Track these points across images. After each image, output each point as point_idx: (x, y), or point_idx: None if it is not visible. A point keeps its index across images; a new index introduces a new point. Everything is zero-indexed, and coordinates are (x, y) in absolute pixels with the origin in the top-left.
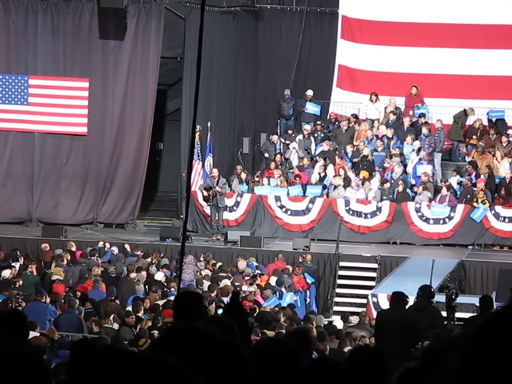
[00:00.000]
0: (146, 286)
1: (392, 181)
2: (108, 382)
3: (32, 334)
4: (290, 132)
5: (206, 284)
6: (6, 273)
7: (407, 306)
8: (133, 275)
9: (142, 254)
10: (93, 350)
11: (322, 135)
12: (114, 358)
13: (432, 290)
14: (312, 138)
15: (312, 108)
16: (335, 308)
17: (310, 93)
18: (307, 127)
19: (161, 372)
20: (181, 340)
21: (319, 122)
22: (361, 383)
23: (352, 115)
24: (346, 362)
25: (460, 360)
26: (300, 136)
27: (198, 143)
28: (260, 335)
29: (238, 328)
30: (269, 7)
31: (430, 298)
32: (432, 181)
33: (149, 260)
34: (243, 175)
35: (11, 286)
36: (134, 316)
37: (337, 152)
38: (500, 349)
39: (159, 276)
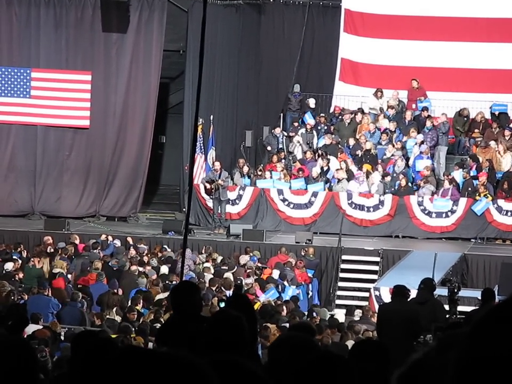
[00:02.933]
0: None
1: (394, 175)
2: (122, 380)
3: (35, 327)
4: (296, 124)
5: (207, 276)
6: (9, 266)
7: (408, 300)
8: (133, 268)
9: (127, 245)
10: (90, 344)
11: (325, 127)
12: (128, 355)
13: (434, 283)
14: (314, 132)
15: (307, 117)
16: (337, 302)
17: (312, 102)
18: (310, 121)
19: (177, 369)
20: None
21: (323, 115)
22: (364, 376)
23: (358, 109)
24: (349, 355)
25: (456, 358)
26: (303, 130)
27: (201, 136)
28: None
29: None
30: (271, 0)
31: (432, 291)
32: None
33: (132, 253)
34: (245, 169)
35: (11, 279)
36: (135, 312)
37: (339, 146)
38: (496, 347)
39: (164, 269)
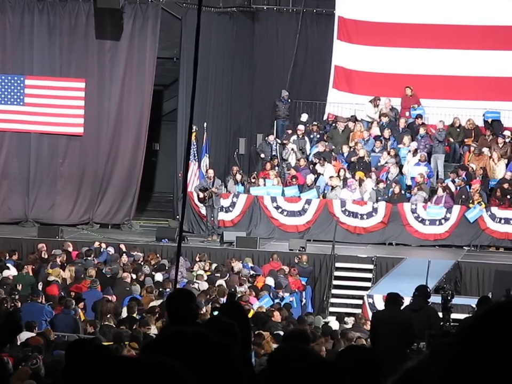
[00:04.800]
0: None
1: (388, 182)
2: None
3: (29, 334)
4: (290, 131)
5: (201, 283)
6: (3, 273)
7: (402, 307)
8: (125, 275)
9: (120, 252)
10: (84, 352)
11: (318, 136)
12: (107, 362)
13: (429, 290)
14: (306, 138)
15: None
16: (331, 309)
17: (304, 117)
18: (301, 127)
19: (155, 373)
20: (174, 342)
21: (315, 123)
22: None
23: (352, 116)
24: (338, 362)
25: (441, 367)
26: (295, 137)
27: (194, 143)
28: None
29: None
30: (265, 8)
31: (426, 299)
32: (425, 182)
33: (124, 260)
34: (239, 176)
35: (3, 287)
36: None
37: (333, 154)
38: (485, 353)
39: (158, 277)
